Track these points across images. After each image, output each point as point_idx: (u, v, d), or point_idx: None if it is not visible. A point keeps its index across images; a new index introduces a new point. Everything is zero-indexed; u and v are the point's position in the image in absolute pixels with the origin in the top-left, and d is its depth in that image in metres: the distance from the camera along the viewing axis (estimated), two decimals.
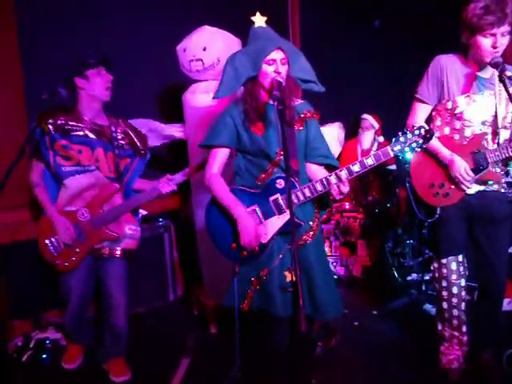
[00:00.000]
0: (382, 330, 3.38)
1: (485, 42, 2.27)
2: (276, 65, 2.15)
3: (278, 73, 2.15)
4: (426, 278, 3.88)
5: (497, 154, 2.41)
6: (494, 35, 2.24)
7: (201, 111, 3.21)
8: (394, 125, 4.43)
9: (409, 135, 2.09)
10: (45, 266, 2.71)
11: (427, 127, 2.09)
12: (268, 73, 2.16)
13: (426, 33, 4.72)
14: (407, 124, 2.61)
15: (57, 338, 3.26)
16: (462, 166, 2.43)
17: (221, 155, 2.32)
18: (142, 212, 3.79)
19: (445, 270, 2.65)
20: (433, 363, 2.81)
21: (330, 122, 4.16)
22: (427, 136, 2.08)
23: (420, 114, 2.58)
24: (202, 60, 3.22)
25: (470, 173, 2.43)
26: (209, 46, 3.19)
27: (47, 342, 3.20)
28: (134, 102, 3.79)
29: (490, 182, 2.49)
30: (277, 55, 2.15)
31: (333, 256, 4.24)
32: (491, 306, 2.70)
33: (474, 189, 2.49)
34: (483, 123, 2.45)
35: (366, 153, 4.60)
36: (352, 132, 4.88)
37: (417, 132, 2.08)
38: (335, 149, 4.33)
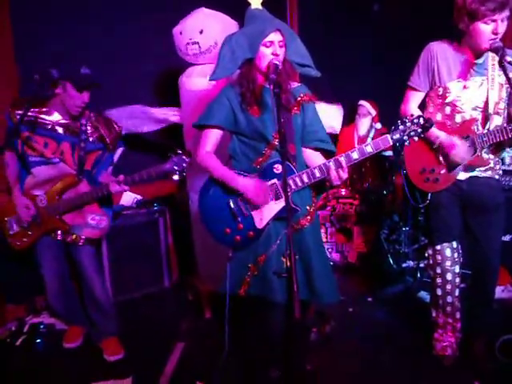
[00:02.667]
0: (377, 316, 3.39)
1: (485, 28, 2.23)
2: (274, 47, 2.11)
3: (276, 55, 2.11)
4: (422, 265, 3.88)
5: (485, 139, 2.39)
6: (494, 21, 2.20)
7: (197, 95, 3.17)
8: (391, 111, 4.45)
9: (408, 124, 2.08)
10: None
11: (426, 117, 2.08)
12: (265, 55, 2.12)
13: (423, 19, 4.67)
14: (400, 111, 2.64)
15: (51, 323, 3.27)
16: (457, 141, 2.43)
17: (213, 135, 2.28)
18: (137, 197, 3.79)
19: (439, 257, 2.67)
20: (427, 350, 2.82)
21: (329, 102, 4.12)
22: (426, 125, 2.07)
23: (412, 101, 2.60)
24: (198, 43, 3.18)
25: (466, 144, 2.44)
26: (206, 29, 3.15)
27: (41, 326, 3.22)
28: (131, 86, 3.76)
29: (479, 168, 2.48)
30: (275, 37, 2.11)
31: (328, 242, 4.24)
32: (484, 294, 2.70)
33: (462, 175, 2.50)
34: (474, 109, 2.44)
35: (362, 139, 4.58)
36: (349, 118, 4.84)
37: (416, 121, 2.07)
38: (337, 125, 4.21)
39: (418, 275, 3.84)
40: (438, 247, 2.66)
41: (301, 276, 2.18)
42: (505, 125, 2.41)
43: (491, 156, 2.50)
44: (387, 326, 3.21)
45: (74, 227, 2.74)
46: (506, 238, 3.59)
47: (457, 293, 2.69)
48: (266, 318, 2.35)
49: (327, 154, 2.32)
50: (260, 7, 2.22)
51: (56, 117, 2.66)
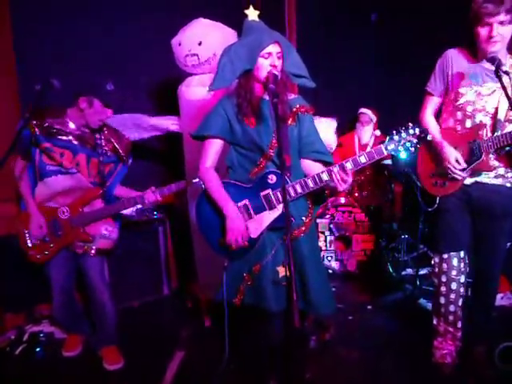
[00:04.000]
0: (377, 324, 3.39)
1: (482, 31, 2.28)
2: (272, 58, 2.13)
3: (274, 66, 2.13)
4: (421, 272, 3.89)
5: (489, 144, 2.39)
6: (489, 24, 2.24)
7: (196, 104, 3.19)
8: (390, 118, 4.48)
9: (403, 134, 2.08)
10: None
11: (422, 127, 2.09)
12: (264, 66, 2.14)
13: (425, 27, 4.70)
14: (418, 117, 2.68)
15: (51, 332, 3.27)
16: (452, 156, 2.46)
17: (214, 147, 2.30)
18: (137, 206, 3.80)
19: (445, 265, 2.64)
20: (426, 358, 2.81)
21: (325, 116, 4.16)
22: (421, 136, 2.08)
23: (429, 106, 2.65)
24: (197, 55, 3.19)
25: (462, 162, 2.45)
26: (204, 41, 3.17)
27: (41, 335, 3.21)
28: (130, 95, 3.78)
29: (489, 175, 2.48)
30: (273, 49, 2.13)
31: (328, 250, 4.25)
32: (484, 301, 2.71)
33: (469, 180, 2.51)
34: (484, 115, 2.44)
35: (364, 147, 4.60)
36: (350, 126, 4.86)
37: (411, 131, 2.08)
38: (332, 141, 4.29)
39: (418, 283, 3.84)
40: (445, 256, 2.63)
41: (297, 286, 2.19)
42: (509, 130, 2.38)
43: (495, 163, 2.47)
44: (387, 334, 3.21)
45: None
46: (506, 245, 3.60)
47: (460, 302, 2.67)
48: (264, 327, 2.36)
49: (327, 165, 2.33)
50: (257, 19, 2.24)
51: (72, 128, 2.68)
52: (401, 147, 2.09)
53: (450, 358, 2.72)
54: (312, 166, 2.34)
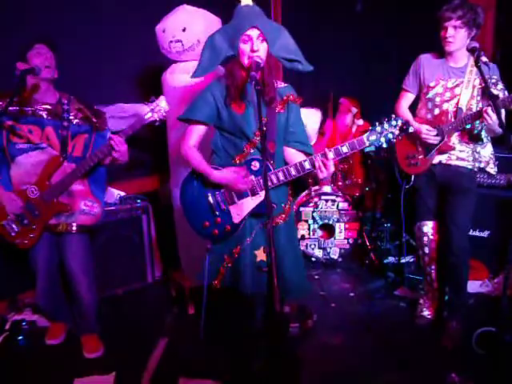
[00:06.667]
0: (359, 311, 3.43)
1: (442, 33, 2.74)
2: (252, 42, 2.12)
3: (254, 51, 2.12)
4: (403, 261, 3.95)
5: (450, 127, 2.81)
6: (445, 28, 2.70)
7: (180, 90, 3.18)
8: (372, 107, 4.51)
9: (385, 125, 2.11)
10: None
11: (404, 119, 2.14)
12: (245, 51, 2.14)
13: (403, 20, 4.74)
14: (394, 109, 3.09)
15: (33, 320, 3.25)
16: (423, 128, 2.88)
17: (197, 131, 2.32)
18: (120, 193, 3.78)
19: (419, 233, 3.13)
20: (407, 343, 2.89)
21: (309, 107, 4.18)
22: (403, 127, 2.11)
23: (403, 100, 3.08)
24: (181, 41, 3.17)
25: (431, 129, 2.86)
26: (188, 27, 3.15)
27: (23, 323, 3.19)
28: (113, 83, 3.75)
29: (452, 156, 2.89)
30: (252, 32, 2.12)
31: (311, 239, 4.27)
32: (451, 275, 3.01)
33: (437, 159, 2.93)
34: (449, 104, 2.84)
35: (343, 135, 4.62)
36: (334, 111, 4.87)
37: (393, 123, 2.11)
38: (313, 133, 4.38)
39: (400, 271, 3.90)
40: (418, 224, 3.12)
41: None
42: (463, 115, 2.78)
43: (461, 146, 2.88)
44: (369, 321, 3.26)
45: (67, 215, 2.70)
46: (484, 234, 3.68)
47: (433, 265, 3.10)
48: (244, 311, 2.39)
49: (308, 155, 2.35)
50: (250, 3, 2.21)
51: (37, 102, 2.65)
52: (383, 138, 2.12)
53: (427, 312, 3.17)
54: (293, 155, 2.36)
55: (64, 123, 2.67)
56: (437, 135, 2.85)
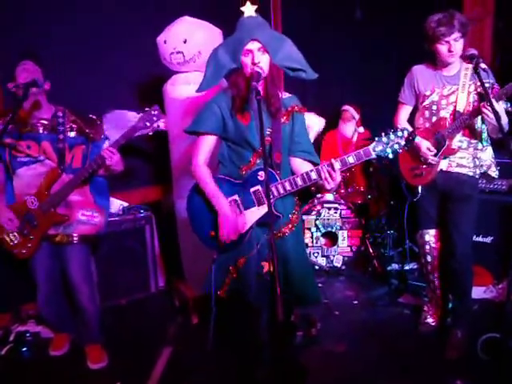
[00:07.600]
0: (363, 319, 3.42)
1: (442, 48, 2.72)
2: (252, 55, 2.14)
3: (255, 64, 2.13)
4: (406, 268, 3.94)
5: (449, 130, 2.80)
6: (447, 42, 2.69)
7: (181, 102, 3.20)
8: (373, 116, 4.50)
9: (391, 136, 2.10)
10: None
11: (410, 130, 2.15)
12: (246, 64, 2.16)
13: (403, 20, 4.74)
14: (393, 123, 3.07)
15: (37, 331, 3.25)
16: (423, 145, 2.85)
17: (206, 143, 2.31)
18: (123, 204, 3.80)
19: (421, 241, 3.12)
20: (411, 350, 2.87)
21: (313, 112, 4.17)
22: (409, 138, 2.11)
23: (402, 113, 3.08)
24: (182, 53, 3.20)
25: (432, 148, 2.84)
26: (189, 39, 3.18)
27: (27, 335, 3.18)
28: (115, 94, 3.76)
29: (453, 163, 2.85)
30: (252, 46, 2.14)
31: (314, 247, 4.27)
32: (455, 284, 2.99)
33: (442, 164, 2.88)
34: (446, 111, 2.84)
35: (346, 144, 4.63)
36: (332, 123, 4.87)
37: (400, 134, 2.09)
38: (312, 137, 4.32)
39: (403, 278, 3.90)
40: (420, 232, 3.11)
41: (280, 281, 2.22)
42: (462, 117, 2.78)
43: (470, 151, 2.84)
44: (373, 328, 3.25)
45: (66, 226, 2.72)
46: (488, 239, 3.67)
47: (436, 273, 3.10)
48: (250, 321, 2.39)
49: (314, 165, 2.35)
50: (253, 14, 2.22)
51: (34, 117, 2.69)
52: (389, 149, 2.11)
53: (431, 320, 3.16)
54: (299, 165, 2.36)
55: (60, 136, 2.70)
56: (435, 155, 2.83)
